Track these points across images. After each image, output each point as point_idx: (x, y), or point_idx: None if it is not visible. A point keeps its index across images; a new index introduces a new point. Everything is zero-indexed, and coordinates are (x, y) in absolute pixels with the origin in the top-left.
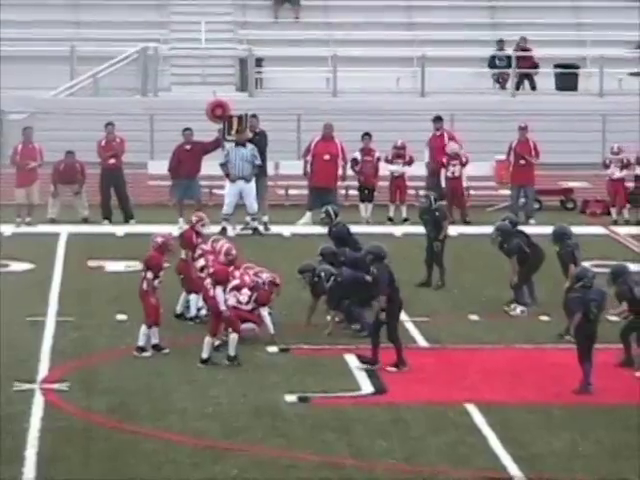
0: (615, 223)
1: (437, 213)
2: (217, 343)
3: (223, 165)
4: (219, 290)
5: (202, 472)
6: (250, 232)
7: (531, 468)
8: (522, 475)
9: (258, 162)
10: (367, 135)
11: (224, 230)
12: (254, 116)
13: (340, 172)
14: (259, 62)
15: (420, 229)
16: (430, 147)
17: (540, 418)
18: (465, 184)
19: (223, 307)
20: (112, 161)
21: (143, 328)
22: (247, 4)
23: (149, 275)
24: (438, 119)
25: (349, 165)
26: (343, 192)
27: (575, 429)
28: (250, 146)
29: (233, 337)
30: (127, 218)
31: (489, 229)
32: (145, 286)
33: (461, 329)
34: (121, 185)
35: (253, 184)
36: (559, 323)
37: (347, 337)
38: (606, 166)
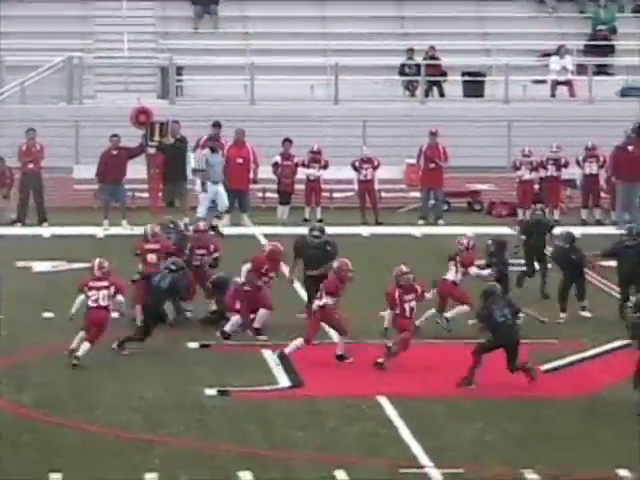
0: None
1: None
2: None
3: (198, 171)
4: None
5: (125, 462)
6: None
7: (441, 458)
8: (432, 464)
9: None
10: (287, 141)
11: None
12: (176, 122)
13: (252, 175)
14: (180, 71)
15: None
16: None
17: (450, 410)
18: (377, 186)
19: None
20: (31, 166)
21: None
22: (168, 15)
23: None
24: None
25: (271, 169)
26: (260, 195)
27: (483, 420)
28: (220, 152)
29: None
30: (40, 221)
31: (400, 230)
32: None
33: (375, 325)
34: (38, 189)
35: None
36: (468, 318)
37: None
38: (516, 168)
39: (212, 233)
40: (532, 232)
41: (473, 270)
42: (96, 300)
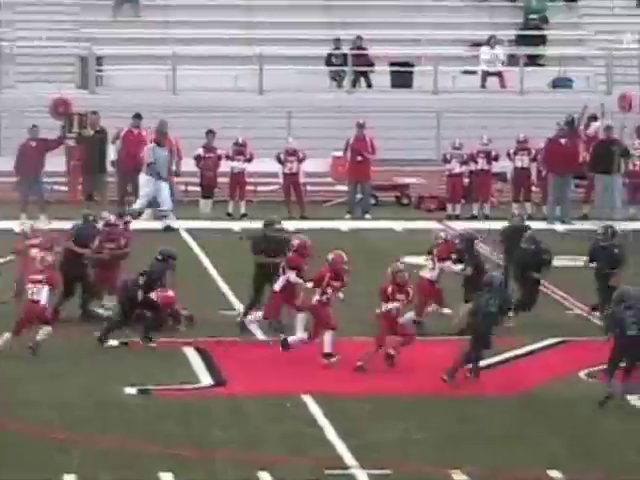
0: (450, 218)
1: None
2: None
3: (152, 164)
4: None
5: (45, 461)
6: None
7: (366, 457)
8: (357, 464)
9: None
10: (211, 132)
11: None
12: (94, 113)
13: (174, 168)
14: (100, 60)
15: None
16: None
17: (377, 408)
18: (302, 180)
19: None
20: None
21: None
22: (88, 4)
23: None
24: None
25: (194, 162)
26: (183, 188)
27: (411, 419)
28: (165, 147)
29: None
30: None
31: (326, 224)
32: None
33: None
34: None
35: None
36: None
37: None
38: (446, 161)
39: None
40: (511, 239)
41: (447, 265)
42: (32, 294)
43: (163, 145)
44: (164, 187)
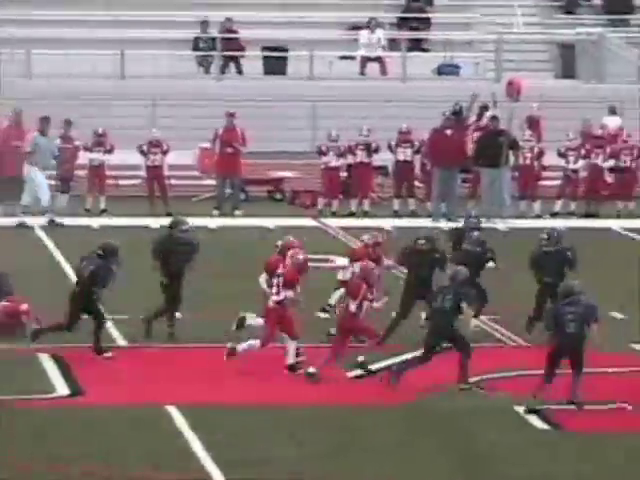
0: (322, 214)
1: None
2: None
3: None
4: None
5: None
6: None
7: (234, 471)
8: (225, 479)
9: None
10: (67, 122)
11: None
12: None
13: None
14: None
15: (119, 221)
16: None
17: (248, 420)
18: (167, 173)
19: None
20: None
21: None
22: None
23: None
24: None
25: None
26: None
27: (285, 430)
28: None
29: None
30: None
31: (193, 221)
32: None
33: (163, 328)
34: None
35: None
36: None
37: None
38: (322, 153)
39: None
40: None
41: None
42: None
43: (46, 134)
44: (44, 181)
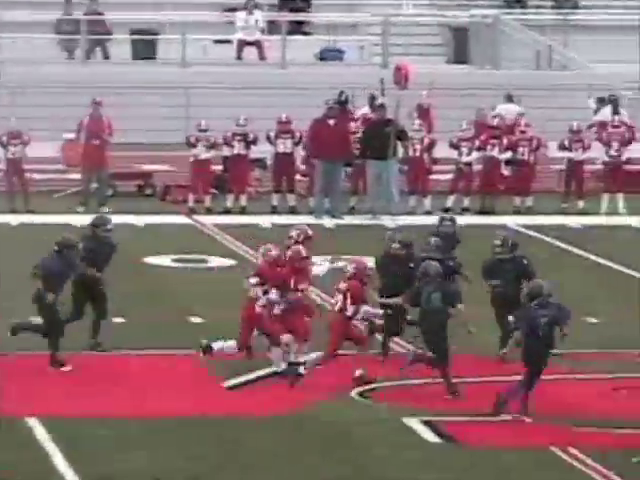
0: (193, 211)
1: None
2: None
3: None
4: None
5: None
6: None
7: None
8: None
9: None
10: None
11: None
12: None
13: None
14: None
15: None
16: None
17: (116, 433)
18: (27, 166)
19: None
20: None
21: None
22: None
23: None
24: None
25: None
26: None
27: (159, 444)
28: None
29: None
30: None
31: (56, 218)
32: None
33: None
34: None
35: None
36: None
37: None
38: (191, 145)
39: None
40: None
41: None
42: None
43: None
44: None
